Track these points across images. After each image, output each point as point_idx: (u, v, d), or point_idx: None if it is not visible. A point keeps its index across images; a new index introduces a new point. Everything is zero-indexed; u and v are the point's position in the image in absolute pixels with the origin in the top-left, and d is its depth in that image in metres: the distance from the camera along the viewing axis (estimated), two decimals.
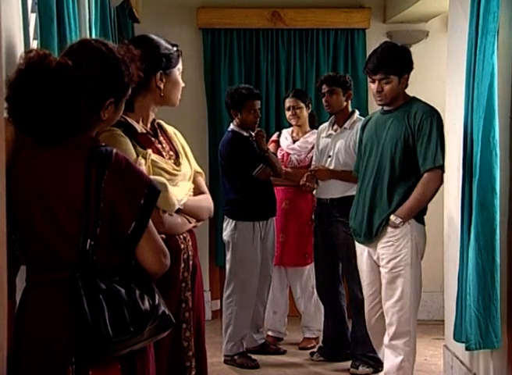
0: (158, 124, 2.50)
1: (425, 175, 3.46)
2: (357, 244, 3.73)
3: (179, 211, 2.33)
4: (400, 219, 3.47)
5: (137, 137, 2.32)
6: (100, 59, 1.85)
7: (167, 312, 1.85)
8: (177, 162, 2.40)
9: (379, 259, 3.58)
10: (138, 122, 2.38)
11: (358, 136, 3.91)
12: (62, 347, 1.74)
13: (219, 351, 4.44)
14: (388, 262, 3.53)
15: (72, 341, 1.71)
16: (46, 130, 1.79)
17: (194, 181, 2.48)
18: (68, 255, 1.77)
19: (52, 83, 1.75)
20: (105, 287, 1.74)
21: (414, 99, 3.59)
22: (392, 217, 3.48)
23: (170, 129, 2.54)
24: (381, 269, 3.58)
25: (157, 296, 1.84)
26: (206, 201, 2.51)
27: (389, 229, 3.51)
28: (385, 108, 3.63)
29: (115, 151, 1.79)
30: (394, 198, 3.50)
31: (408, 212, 3.48)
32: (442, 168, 3.50)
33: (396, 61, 3.51)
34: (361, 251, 3.70)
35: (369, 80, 3.61)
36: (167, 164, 2.33)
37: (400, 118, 3.53)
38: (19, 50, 2.08)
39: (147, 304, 1.79)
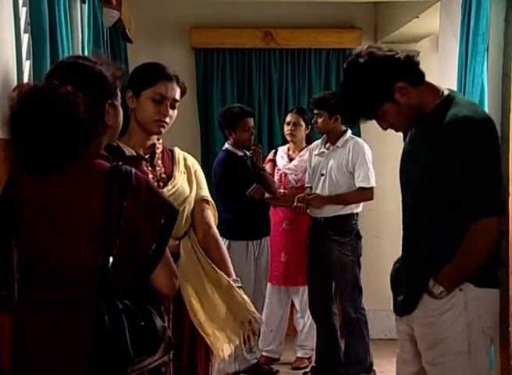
0: (169, 150, 2.60)
1: (481, 223, 2.20)
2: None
3: None
4: (442, 289, 2.25)
5: (123, 159, 2.33)
6: (81, 69, 1.86)
7: (170, 334, 1.85)
8: (165, 185, 2.46)
9: (418, 339, 2.36)
10: (130, 146, 2.45)
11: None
12: (73, 368, 1.72)
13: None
14: (428, 348, 2.31)
15: (89, 361, 1.68)
16: (57, 154, 1.76)
17: (200, 211, 2.57)
18: (79, 274, 1.74)
19: (47, 106, 1.74)
20: (122, 307, 1.72)
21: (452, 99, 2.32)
22: (430, 283, 2.27)
23: (181, 155, 2.63)
24: (421, 352, 2.37)
25: (166, 317, 1.85)
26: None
27: (428, 298, 2.28)
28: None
29: (134, 170, 1.80)
30: (430, 248, 2.30)
31: (455, 276, 2.25)
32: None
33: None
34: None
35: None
36: None
37: (433, 130, 2.28)
38: (12, 71, 2.09)
39: (159, 324, 1.78)
